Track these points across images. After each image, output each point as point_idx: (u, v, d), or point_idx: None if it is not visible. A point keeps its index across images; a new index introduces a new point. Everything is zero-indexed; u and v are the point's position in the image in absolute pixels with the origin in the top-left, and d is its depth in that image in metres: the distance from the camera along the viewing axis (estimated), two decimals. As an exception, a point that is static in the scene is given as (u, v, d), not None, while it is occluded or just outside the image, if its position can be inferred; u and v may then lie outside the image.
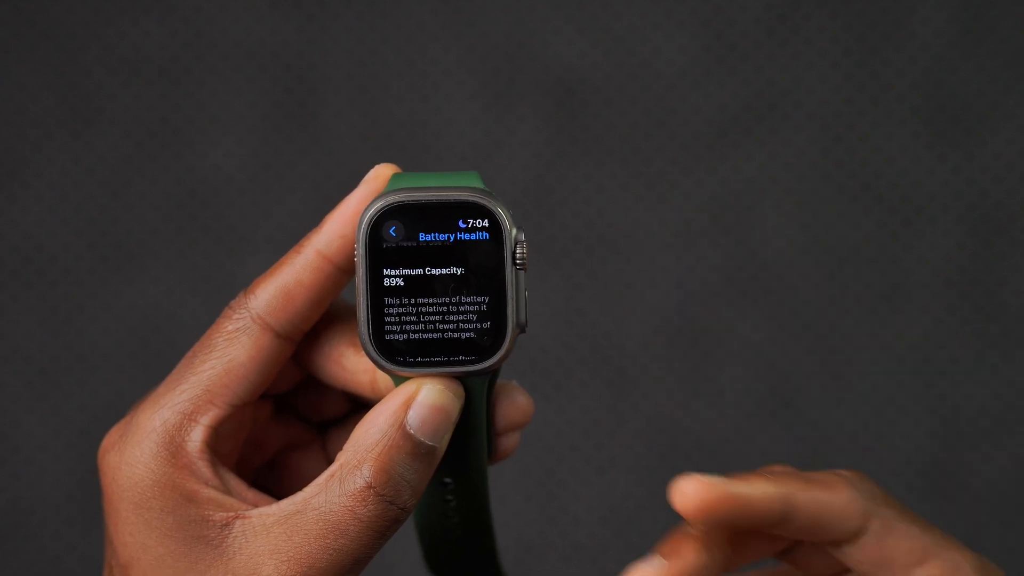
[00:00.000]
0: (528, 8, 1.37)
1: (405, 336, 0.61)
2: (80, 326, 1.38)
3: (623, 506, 1.38)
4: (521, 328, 0.61)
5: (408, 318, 0.61)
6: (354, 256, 0.61)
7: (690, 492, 0.61)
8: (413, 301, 0.61)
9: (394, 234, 0.61)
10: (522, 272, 0.61)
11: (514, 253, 0.61)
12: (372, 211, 0.61)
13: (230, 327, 0.63)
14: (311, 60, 1.37)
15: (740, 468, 1.31)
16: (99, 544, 1.38)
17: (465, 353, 0.61)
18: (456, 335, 0.61)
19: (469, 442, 0.63)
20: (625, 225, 1.38)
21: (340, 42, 1.37)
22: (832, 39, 1.36)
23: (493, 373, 0.63)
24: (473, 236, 0.61)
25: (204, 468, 0.62)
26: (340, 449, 0.62)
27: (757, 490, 0.61)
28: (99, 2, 1.37)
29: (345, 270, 0.63)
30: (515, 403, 0.65)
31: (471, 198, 0.61)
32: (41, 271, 1.38)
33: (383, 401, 0.61)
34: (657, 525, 1.38)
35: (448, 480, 0.65)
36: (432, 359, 0.61)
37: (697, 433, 1.37)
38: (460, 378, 0.62)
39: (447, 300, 0.61)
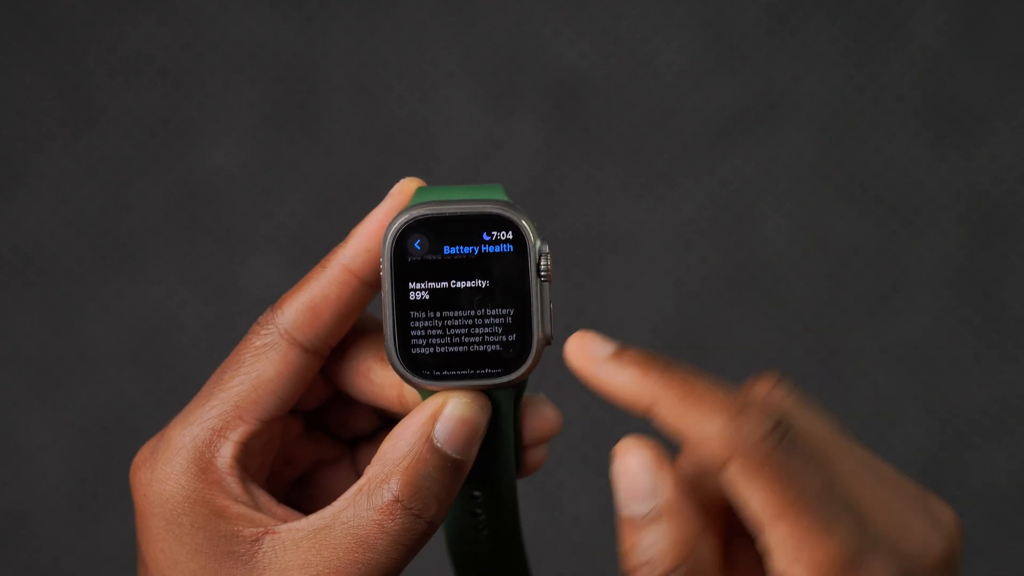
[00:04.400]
0: (528, 9, 1.37)
1: (431, 350, 0.61)
2: (81, 326, 1.38)
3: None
4: (547, 340, 0.62)
5: (434, 332, 0.61)
6: (380, 270, 0.61)
7: (571, 352, 0.60)
8: (439, 315, 0.61)
9: (419, 248, 0.61)
10: (547, 284, 0.61)
11: (539, 265, 0.61)
12: (397, 225, 0.61)
13: (258, 343, 0.63)
14: (312, 61, 1.37)
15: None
16: (99, 544, 1.38)
17: (491, 366, 0.61)
18: (482, 348, 0.61)
19: (497, 455, 0.63)
20: (625, 225, 1.38)
21: (341, 43, 1.37)
22: (831, 40, 1.36)
23: (520, 386, 0.63)
24: (497, 248, 0.61)
25: (234, 484, 0.62)
26: (369, 464, 0.62)
27: (619, 381, 0.59)
28: (100, 3, 1.37)
29: (371, 284, 0.63)
30: (543, 416, 0.65)
31: (495, 210, 0.61)
32: (42, 271, 1.38)
33: (410, 415, 0.61)
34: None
35: (477, 494, 0.65)
36: (458, 372, 0.61)
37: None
38: (487, 391, 0.62)
39: (472, 313, 0.61)
